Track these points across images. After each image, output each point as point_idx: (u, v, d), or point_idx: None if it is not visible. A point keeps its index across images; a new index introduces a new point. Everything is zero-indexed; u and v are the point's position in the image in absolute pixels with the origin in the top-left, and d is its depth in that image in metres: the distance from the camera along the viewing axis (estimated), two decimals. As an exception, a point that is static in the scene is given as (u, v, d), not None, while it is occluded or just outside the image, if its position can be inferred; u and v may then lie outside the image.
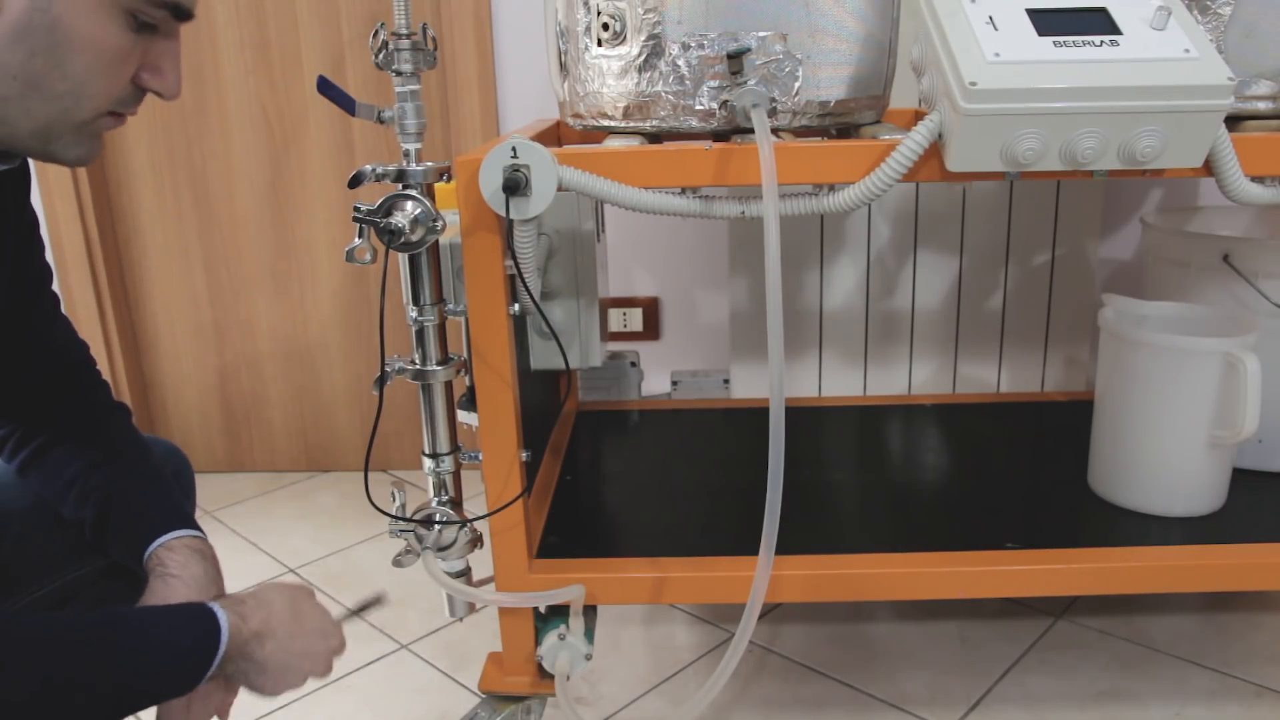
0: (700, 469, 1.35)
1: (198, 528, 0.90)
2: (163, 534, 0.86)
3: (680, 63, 0.93)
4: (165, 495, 0.91)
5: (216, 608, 0.76)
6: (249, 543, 1.77)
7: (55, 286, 0.92)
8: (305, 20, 1.80)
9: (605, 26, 0.95)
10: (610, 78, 0.96)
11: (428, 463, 1.05)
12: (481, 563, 1.08)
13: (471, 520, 1.06)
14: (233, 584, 0.88)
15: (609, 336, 1.87)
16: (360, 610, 0.98)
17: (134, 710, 0.72)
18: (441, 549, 1.05)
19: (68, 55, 0.67)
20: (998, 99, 0.84)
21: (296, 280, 1.95)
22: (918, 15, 0.93)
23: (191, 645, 0.73)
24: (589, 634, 1.09)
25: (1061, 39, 0.88)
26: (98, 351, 1.92)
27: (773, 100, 0.93)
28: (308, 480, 2.04)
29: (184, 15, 0.72)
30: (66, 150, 0.72)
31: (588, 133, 1.06)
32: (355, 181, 0.91)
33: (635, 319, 1.89)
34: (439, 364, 1.02)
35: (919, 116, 0.94)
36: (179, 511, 0.90)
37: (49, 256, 1.91)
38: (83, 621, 0.71)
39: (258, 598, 0.80)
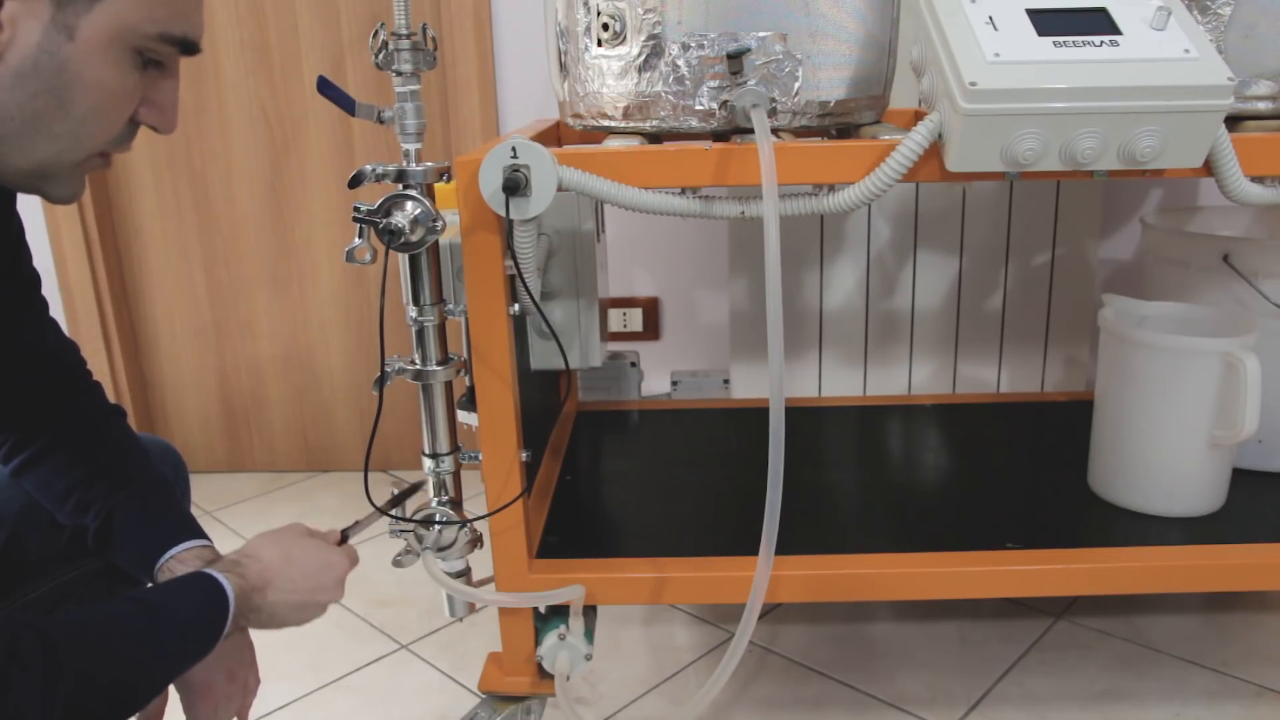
0: (700, 469, 1.35)
1: (205, 537, 0.90)
2: (173, 546, 0.87)
3: (680, 63, 0.93)
4: (172, 506, 0.92)
5: (217, 573, 0.78)
6: (249, 543, 1.77)
7: (55, 287, 0.92)
8: (305, 21, 1.80)
9: (605, 26, 0.95)
10: (610, 78, 0.96)
11: (428, 463, 1.05)
12: (481, 563, 1.08)
13: (471, 520, 1.06)
14: (233, 584, 0.88)
15: (609, 336, 1.87)
16: (392, 506, 1.02)
17: (163, 688, 0.75)
18: (441, 549, 1.05)
19: (73, 96, 0.66)
20: (998, 99, 0.84)
21: (296, 280, 1.95)
22: (918, 15, 0.93)
23: (205, 615, 0.76)
24: (589, 634, 1.09)
25: (1061, 39, 0.88)
26: (98, 351, 1.92)
27: (773, 100, 0.93)
28: (308, 480, 2.04)
29: (192, 50, 0.71)
30: (56, 189, 0.71)
31: (588, 133, 1.06)
32: (355, 181, 0.91)
33: (635, 319, 1.89)
34: (439, 364, 1.02)
35: (919, 116, 0.94)
36: (187, 522, 0.91)
37: (49, 257, 1.91)
38: (104, 612, 0.72)
39: (248, 554, 0.83)
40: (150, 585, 0.84)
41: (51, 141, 0.67)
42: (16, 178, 0.69)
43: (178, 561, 0.86)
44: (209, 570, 0.79)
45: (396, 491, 1.03)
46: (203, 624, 0.76)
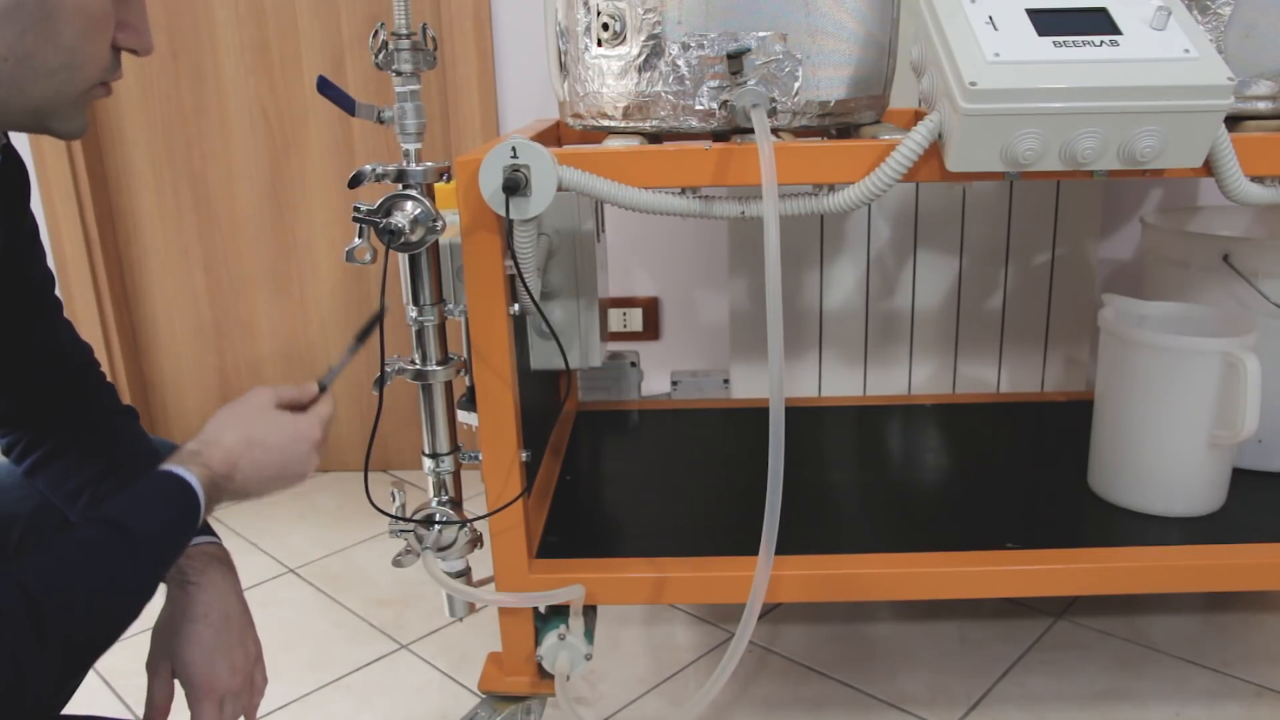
0: (700, 469, 1.35)
1: (212, 532, 0.90)
2: None
3: (680, 63, 0.93)
4: None
5: (180, 470, 0.75)
6: (249, 543, 1.77)
7: (55, 288, 0.92)
8: (305, 20, 1.80)
9: (605, 26, 0.95)
10: (610, 78, 0.96)
11: (428, 463, 1.05)
12: (481, 563, 1.08)
13: (471, 520, 1.06)
14: (233, 584, 0.88)
15: (609, 336, 1.87)
16: (362, 339, 0.94)
17: (149, 597, 0.73)
18: (441, 549, 1.05)
19: (58, 27, 0.67)
20: (998, 99, 0.84)
21: (296, 280, 1.95)
22: (918, 15, 0.93)
23: (176, 518, 0.73)
24: (589, 634, 1.09)
25: (1061, 39, 0.88)
26: (98, 352, 1.91)
27: (773, 100, 0.93)
28: (308, 480, 2.03)
29: None
30: (61, 124, 0.72)
31: (588, 133, 1.06)
32: (355, 181, 0.91)
33: (635, 319, 1.89)
34: (439, 364, 1.02)
35: (919, 116, 0.94)
36: None
37: (49, 257, 1.91)
38: (75, 543, 0.69)
39: (208, 440, 0.79)
40: (114, 498, 0.77)
41: (48, 78, 0.68)
42: (20, 118, 0.70)
43: (185, 557, 0.86)
44: (171, 467, 0.75)
45: (358, 334, 0.96)
46: (175, 527, 0.73)
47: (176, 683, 0.81)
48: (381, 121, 0.94)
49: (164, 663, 0.81)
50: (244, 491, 0.80)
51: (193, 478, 0.75)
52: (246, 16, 1.80)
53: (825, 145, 0.92)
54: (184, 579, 0.84)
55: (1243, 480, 1.22)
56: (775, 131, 0.95)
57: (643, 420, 1.54)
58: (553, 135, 1.31)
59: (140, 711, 0.82)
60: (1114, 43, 0.88)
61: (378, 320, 0.95)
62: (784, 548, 0.97)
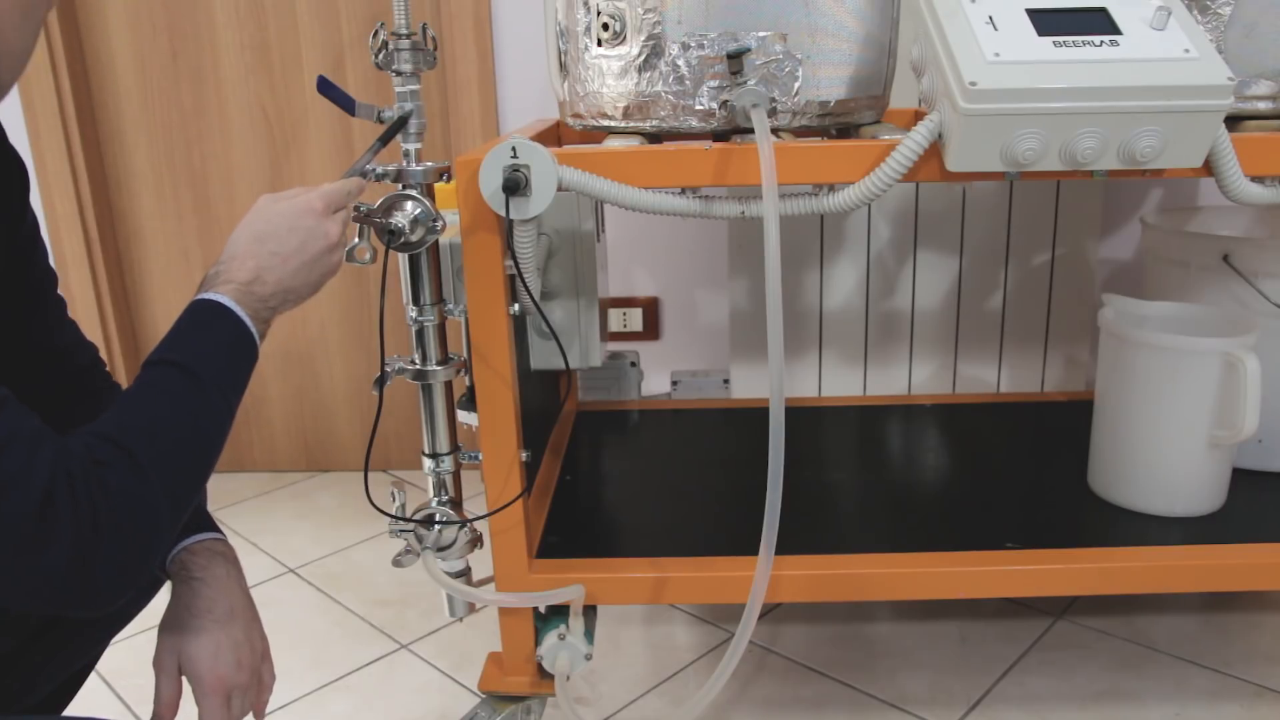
0: (700, 469, 1.35)
1: (217, 529, 0.90)
2: (185, 538, 0.86)
3: (680, 63, 0.93)
4: None
5: (211, 296, 0.76)
6: (249, 543, 1.77)
7: (58, 287, 0.92)
8: (305, 20, 1.80)
9: (605, 26, 0.95)
10: (610, 78, 0.96)
11: (428, 463, 1.05)
12: (481, 563, 1.08)
13: (471, 520, 1.06)
14: (233, 584, 0.87)
15: (609, 336, 1.87)
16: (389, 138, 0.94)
17: (231, 409, 0.76)
18: (441, 549, 1.05)
19: None
20: (998, 99, 0.84)
21: (296, 280, 1.94)
22: (918, 15, 0.93)
23: (218, 334, 0.75)
24: (589, 634, 1.09)
25: (1061, 39, 0.88)
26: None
27: (773, 100, 0.93)
28: (308, 480, 2.04)
29: None
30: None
31: (588, 133, 1.06)
32: (355, 181, 0.91)
33: (635, 319, 1.89)
34: (439, 364, 1.02)
35: (919, 116, 0.94)
36: (199, 514, 0.90)
37: (50, 257, 1.91)
38: (149, 395, 0.72)
39: (224, 258, 0.79)
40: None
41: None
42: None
43: (189, 553, 0.86)
44: (202, 296, 0.76)
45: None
46: (220, 345, 0.75)
47: (184, 680, 0.81)
48: (381, 121, 0.94)
49: (170, 660, 0.81)
50: (283, 288, 0.79)
51: (217, 296, 0.76)
52: (246, 16, 1.80)
53: (825, 145, 0.92)
54: (189, 575, 0.84)
55: (1243, 480, 1.22)
56: (775, 131, 0.95)
57: (643, 420, 1.54)
58: (553, 135, 1.31)
59: (143, 711, 0.82)
60: (1114, 43, 0.88)
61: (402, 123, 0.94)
62: (784, 548, 0.97)
